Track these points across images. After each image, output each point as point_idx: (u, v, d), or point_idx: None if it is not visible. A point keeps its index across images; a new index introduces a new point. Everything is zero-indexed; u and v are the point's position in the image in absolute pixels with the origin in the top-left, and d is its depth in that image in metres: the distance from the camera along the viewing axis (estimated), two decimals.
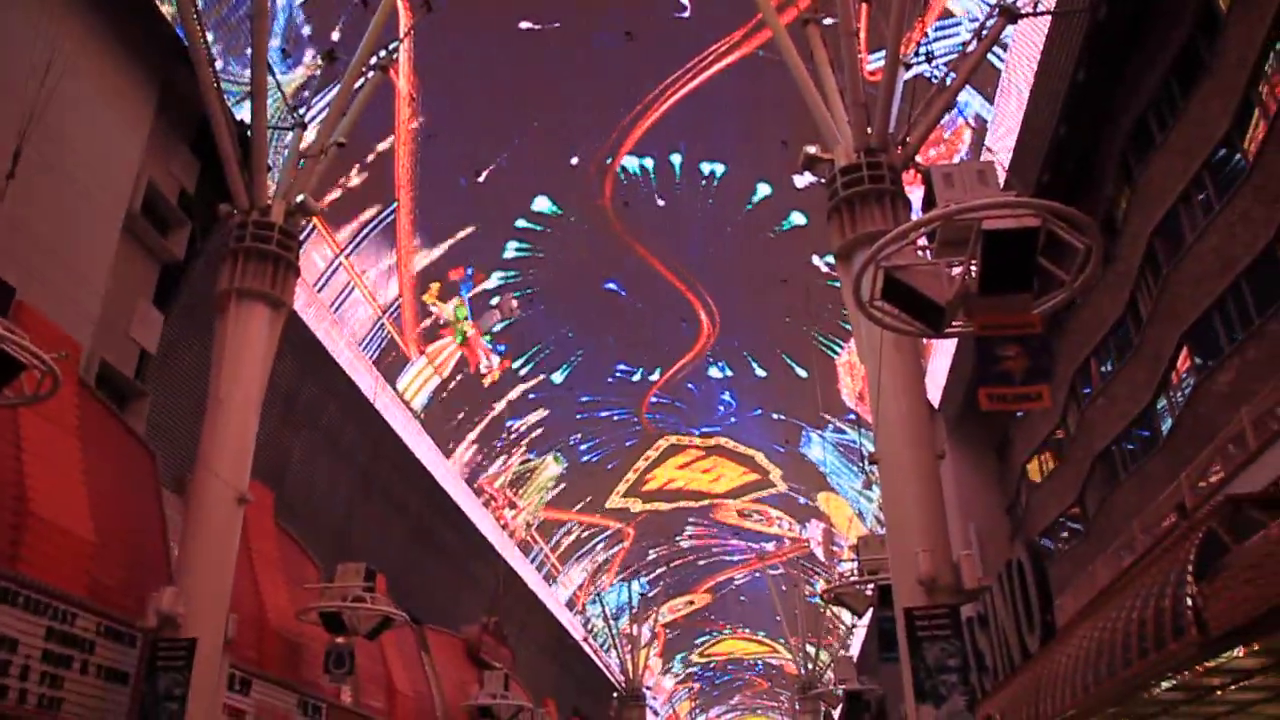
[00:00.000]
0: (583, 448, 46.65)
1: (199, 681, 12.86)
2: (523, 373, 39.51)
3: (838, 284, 24.35)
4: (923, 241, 8.78)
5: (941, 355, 29.22)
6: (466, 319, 35.63)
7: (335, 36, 23.72)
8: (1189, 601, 6.77)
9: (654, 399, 44.86)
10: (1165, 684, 8.01)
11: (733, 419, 47.07)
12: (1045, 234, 8.05)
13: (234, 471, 14.16)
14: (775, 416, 45.24)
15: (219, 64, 17.22)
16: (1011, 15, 14.16)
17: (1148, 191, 19.13)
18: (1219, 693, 8.36)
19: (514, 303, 36.88)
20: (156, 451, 16.53)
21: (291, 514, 24.43)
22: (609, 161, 31.79)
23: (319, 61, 23.74)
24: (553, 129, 30.26)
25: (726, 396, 45.44)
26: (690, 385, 44.13)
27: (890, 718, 38.45)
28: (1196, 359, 17.96)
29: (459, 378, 36.74)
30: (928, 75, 16.43)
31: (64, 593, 12.24)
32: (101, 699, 12.67)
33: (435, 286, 33.71)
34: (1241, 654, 6.81)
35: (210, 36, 15.98)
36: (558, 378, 41.56)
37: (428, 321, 33.96)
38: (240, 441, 14.46)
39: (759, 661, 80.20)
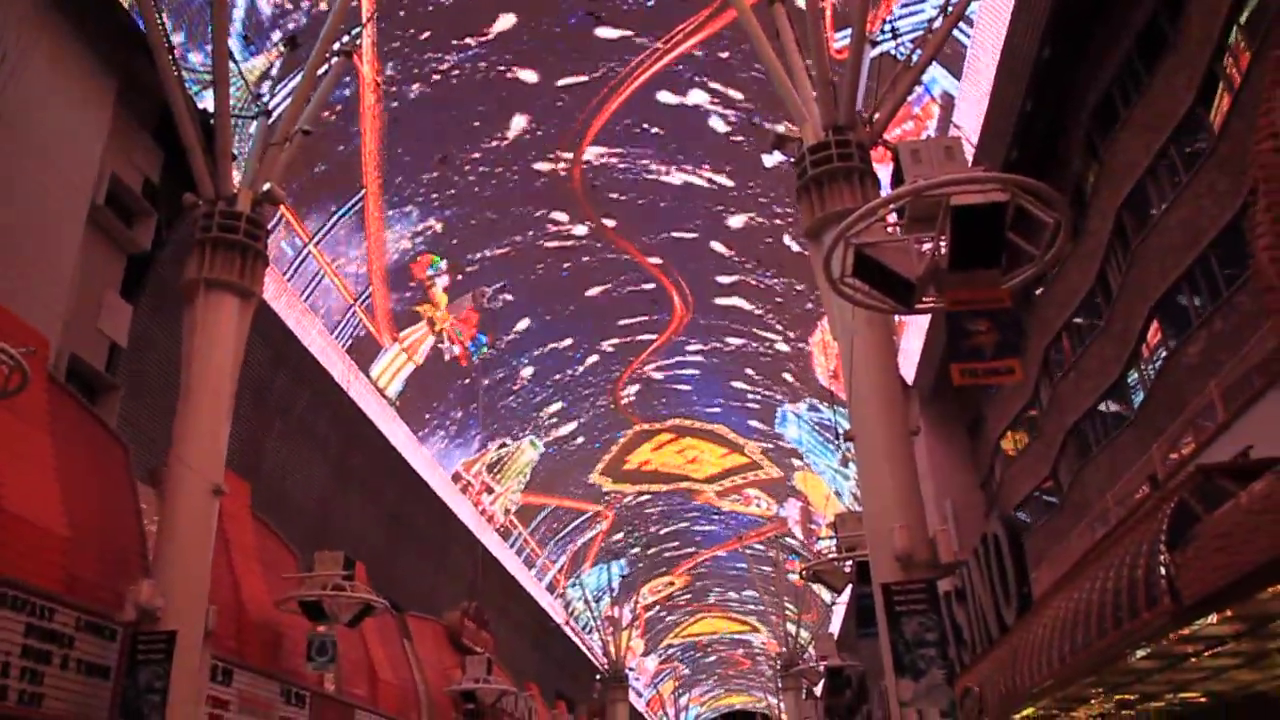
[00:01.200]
0: (560, 432, 46.62)
1: (180, 673, 12.81)
2: (497, 357, 39.39)
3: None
4: (892, 218, 8.81)
5: (915, 332, 29.39)
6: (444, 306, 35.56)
7: (297, 23, 23.44)
8: (1162, 571, 6.86)
9: (628, 381, 44.88)
10: (1140, 652, 8.13)
11: (706, 400, 47.18)
12: (1014, 209, 8.10)
13: (208, 463, 14.07)
14: (750, 396, 45.40)
15: (179, 52, 17.00)
16: None
17: (1115, 166, 19.27)
18: (1193, 660, 8.50)
19: (486, 289, 36.74)
20: (129, 444, 16.37)
21: (268, 504, 24.28)
22: (578, 143, 31.65)
23: (281, 48, 23.46)
24: (520, 110, 30.08)
25: (698, 377, 45.52)
26: (664, 367, 44.17)
27: (870, 693, 38.85)
28: (1166, 332, 18.16)
29: (434, 363, 36.60)
30: (894, 53, 16.43)
31: (41, 588, 12.13)
32: (83, 693, 12.59)
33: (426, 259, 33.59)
34: (1214, 621, 6.92)
35: (169, 24, 15.78)
36: (530, 361, 41.49)
37: (403, 298, 33.77)
38: (213, 432, 14.36)
39: (740, 640, 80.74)
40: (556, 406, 44.86)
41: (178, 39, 20.29)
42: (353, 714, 20.37)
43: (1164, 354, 18.15)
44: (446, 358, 37.30)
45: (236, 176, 15.87)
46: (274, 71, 23.72)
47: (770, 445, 49.71)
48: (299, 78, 17.86)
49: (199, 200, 15.37)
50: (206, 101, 19.06)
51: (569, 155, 31.98)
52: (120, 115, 18.79)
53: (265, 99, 21.36)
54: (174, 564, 13.42)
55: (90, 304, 17.87)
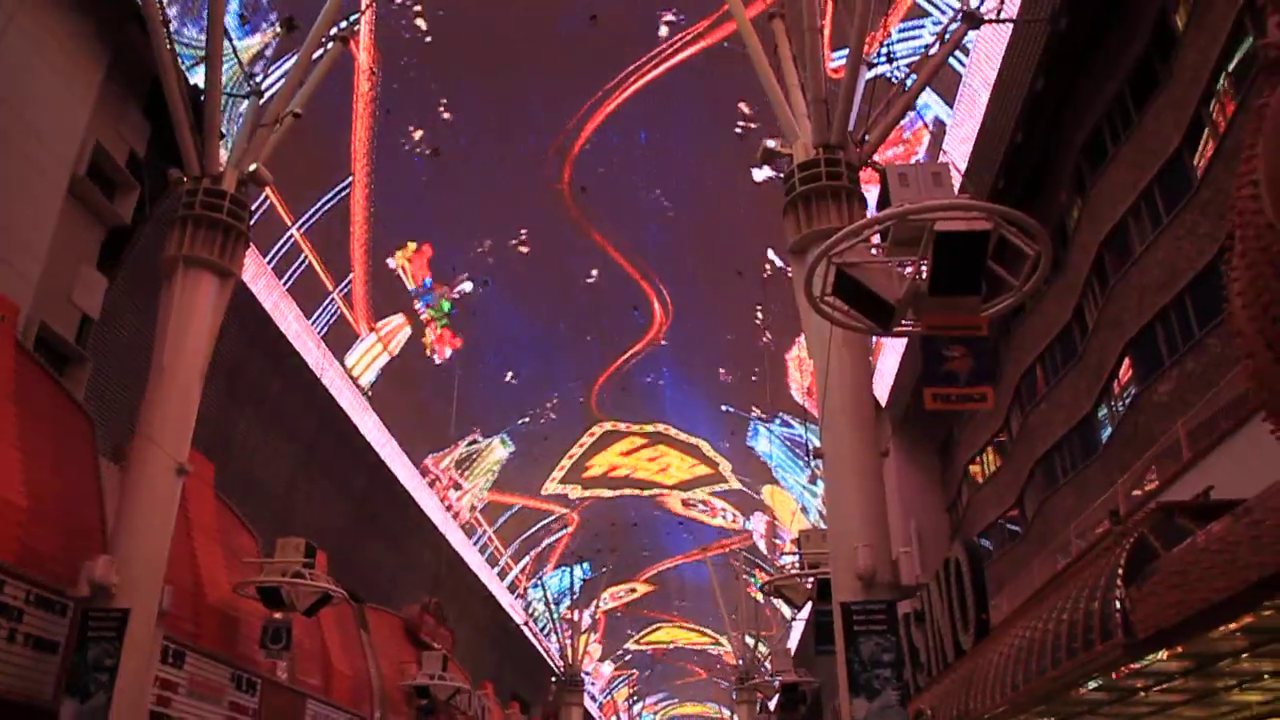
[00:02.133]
0: (530, 431, 46.51)
1: (130, 653, 12.66)
2: (473, 353, 39.28)
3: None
4: (876, 240, 8.86)
5: (890, 354, 29.54)
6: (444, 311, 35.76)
7: (295, 4, 23.32)
8: (1117, 605, 6.93)
9: (603, 385, 44.85)
10: (1092, 684, 8.20)
11: (680, 408, 47.22)
12: (997, 238, 8.17)
13: (174, 441, 13.94)
14: (724, 408, 45.48)
15: (174, 26, 16.84)
16: (974, 21, 14.32)
17: (1099, 202, 19.47)
18: (1142, 694, 8.58)
19: (467, 284, 36.66)
20: (95, 419, 16.20)
21: (232, 487, 24.06)
22: (568, 147, 31.65)
23: (278, 29, 23.34)
24: (512, 110, 30.06)
25: (675, 386, 45.57)
26: (640, 373, 44.18)
27: (824, 710, 38.94)
28: (1138, 369, 18.34)
29: (409, 355, 36.47)
30: (889, 76, 16.54)
31: None
32: (29, 668, 12.42)
33: (410, 248, 33.53)
34: (1165, 657, 6.99)
35: None
36: (506, 358, 41.41)
37: (382, 288, 33.62)
38: (182, 411, 14.23)
39: (698, 651, 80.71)
40: (529, 406, 44.75)
41: (173, 12, 20.13)
42: (304, 703, 20.21)
43: (1134, 391, 18.33)
44: (423, 350, 37.18)
45: (224, 155, 15.76)
46: (269, 52, 23.59)
47: (739, 458, 49.79)
48: (293, 60, 17.78)
49: (184, 176, 15.25)
50: (198, 78, 18.91)
51: (558, 156, 31.96)
52: (109, 86, 18.62)
53: (258, 79, 21.26)
54: (132, 541, 13.26)
55: (65, 274, 17.68)
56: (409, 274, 34.34)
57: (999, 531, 26.36)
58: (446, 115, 29.68)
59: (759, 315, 36.65)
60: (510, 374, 42.18)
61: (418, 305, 35.62)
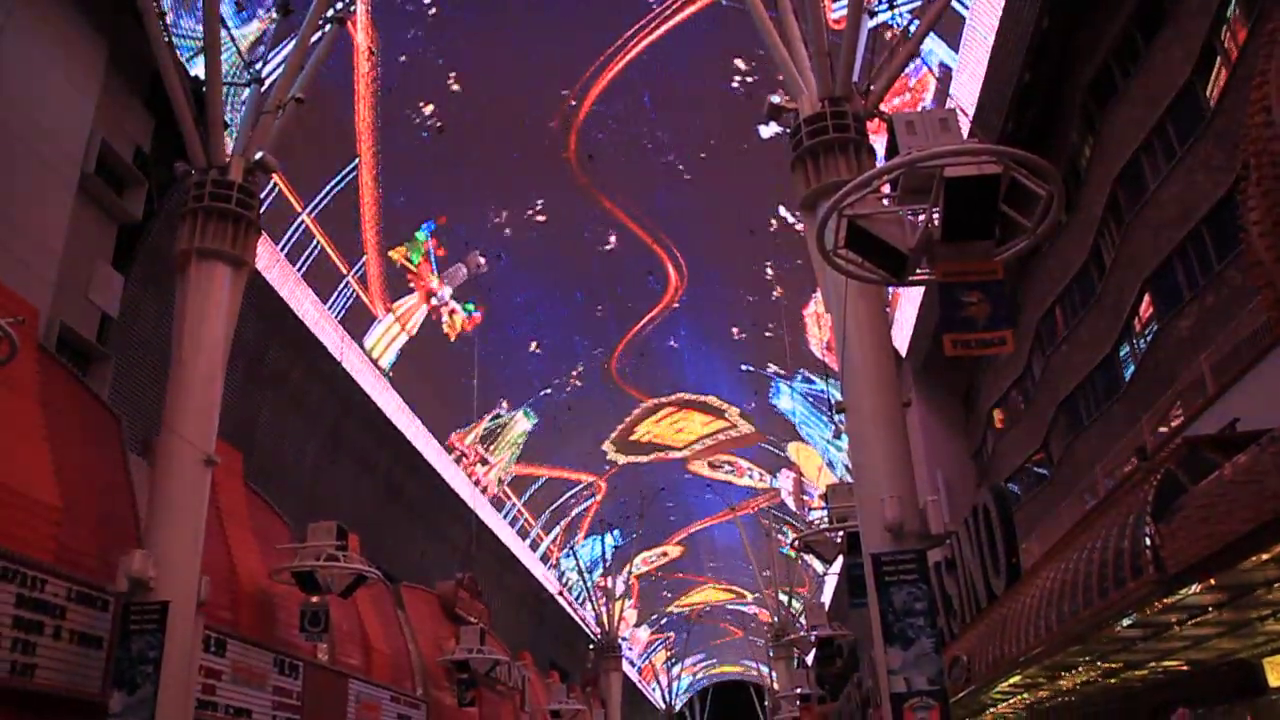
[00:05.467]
0: (554, 403, 46.67)
1: (173, 644, 12.85)
2: (490, 327, 39.36)
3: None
4: (886, 190, 8.79)
5: (908, 304, 29.40)
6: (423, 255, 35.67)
7: None
8: (1147, 541, 6.93)
9: (622, 352, 44.89)
10: (1125, 621, 8.22)
11: (699, 370, 47.23)
12: (1008, 181, 8.09)
13: (200, 433, 14.05)
14: (744, 367, 45.47)
15: (170, 18, 16.82)
16: None
17: (1110, 139, 19.23)
18: (1176, 628, 8.60)
19: (480, 258, 36.67)
20: (121, 415, 16.34)
21: (261, 475, 24.30)
22: (573, 114, 31.48)
23: (274, 14, 23.24)
24: (514, 81, 29.89)
25: (693, 348, 45.55)
26: (658, 338, 44.18)
27: (860, 661, 39.18)
28: (1158, 305, 18.19)
29: (427, 333, 36.60)
30: (892, 23, 16.33)
31: (32, 559, 12.15)
32: (76, 664, 12.65)
33: (420, 243, 33.66)
34: (1198, 590, 6.99)
35: None
36: (524, 331, 41.49)
37: (397, 268, 33.69)
38: (205, 403, 14.32)
39: (733, 611, 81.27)
40: (550, 377, 44.87)
41: (168, 3, 20.08)
42: (346, 683, 20.50)
43: (1155, 328, 18.19)
44: (441, 329, 37.29)
45: (229, 145, 15.75)
46: (267, 38, 23.49)
47: (762, 417, 49.82)
48: (292, 45, 17.71)
49: (190, 169, 15.26)
50: (198, 68, 18.89)
51: (566, 123, 31.80)
52: (110, 82, 18.62)
53: (258, 66, 21.18)
54: (166, 534, 13.42)
55: (81, 274, 17.78)
56: (427, 279, 34.58)
57: (1026, 475, 26.32)
58: (451, 89, 29.54)
59: (768, 271, 36.52)
60: (531, 346, 42.26)
61: (439, 309, 35.92)
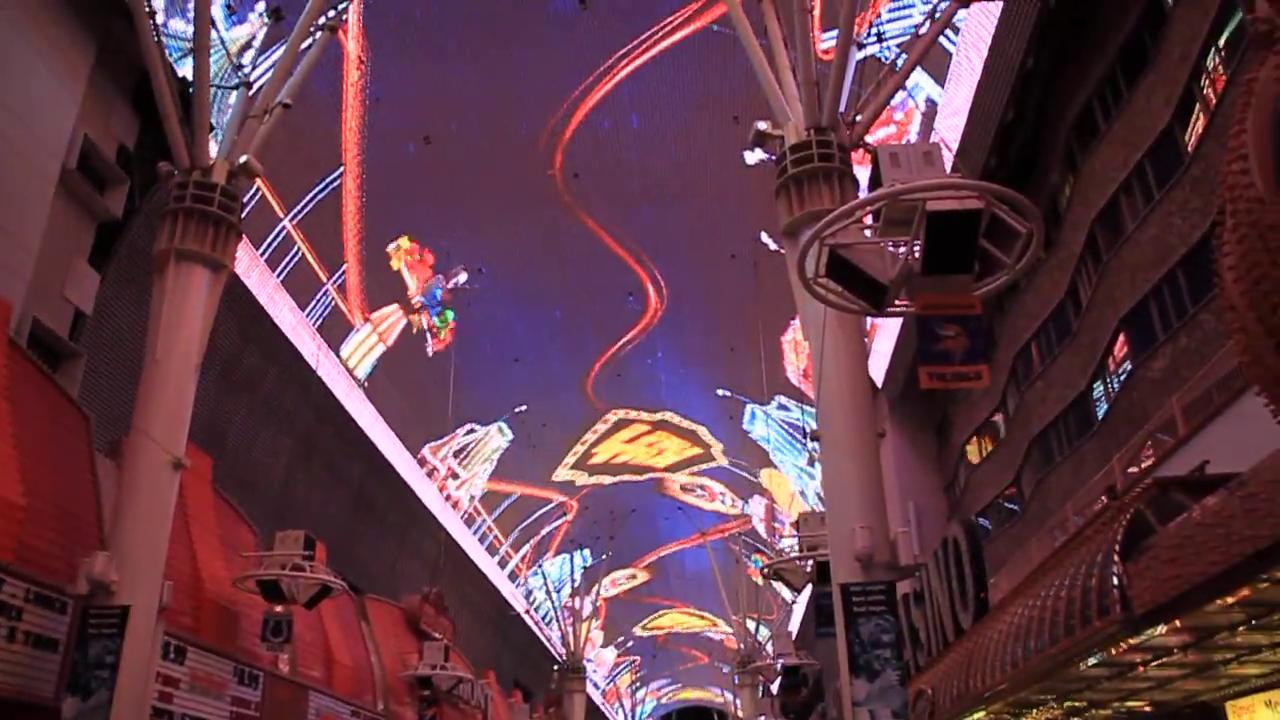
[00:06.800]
0: (528, 420, 46.52)
1: (131, 649, 12.63)
2: (468, 340, 39.26)
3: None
4: (868, 220, 8.84)
5: (886, 335, 29.56)
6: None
7: None
8: (1114, 580, 6.96)
9: (599, 372, 44.85)
10: (1091, 660, 8.24)
11: (677, 393, 47.24)
12: (989, 217, 8.16)
13: (170, 436, 13.88)
14: (720, 392, 45.50)
15: (160, 18, 16.74)
16: (964, 0, 14.25)
17: (1091, 179, 19.47)
18: (1141, 668, 8.62)
19: (462, 274, 36.61)
20: (90, 414, 16.15)
21: (230, 481, 24.06)
22: (559, 132, 31.55)
23: (265, 19, 23.21)
24: (503, 96, 29.95)
25: (670, 370, 45.57)
26: (636, 359, 44.18)
27: (826, 691, 39.11)
28: (1132, 345, 18.38)
29: (405, 345, 36.45)
30: (880, 56, 16.49)
31: None
32: (30, 666, 12.40)
33: (403, 245, 33.56)
34: (1163, 631, 7.02)
35: None
36: (502, 346, 41.40)
37: (376, 277, 33.56)
38: (177, 405, 14.17)
39: (699, 636, 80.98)
40: (526, 393, 44.75)
41: (160, 3, 20.02)
42: (306, 695, 20.24)
43: (1129, 367, 18.36)
44: (417, 340, 37.16)
45: (214, 147, 15.67)
46: (257, 42, 23.46)
47: (735, 442, 49.84)
48: (282, 50, 17.66)
49: (174, 169, 15.16)
50: (186, 69, 18.82)
51: (553, 140, 31.85)
52: (97, 79, 18.52)
53: (246, 70, 21.12)
54: (130, 537, 13.22)
55: (57, 270, 17.61)
56: (416, 282, 34.43)
57: (997, 510, 26.44)
58: (438, 102, 29.56)
59: (748, 297, 36.67)
60: (507, 362, 42.14)
61: (424, 315, 35.77)
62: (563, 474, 52.65)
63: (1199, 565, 5.76)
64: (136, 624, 12.76)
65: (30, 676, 12.38)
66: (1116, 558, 6.96)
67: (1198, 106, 15.88)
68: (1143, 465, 14.94)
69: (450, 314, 37.11)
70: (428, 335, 36.97)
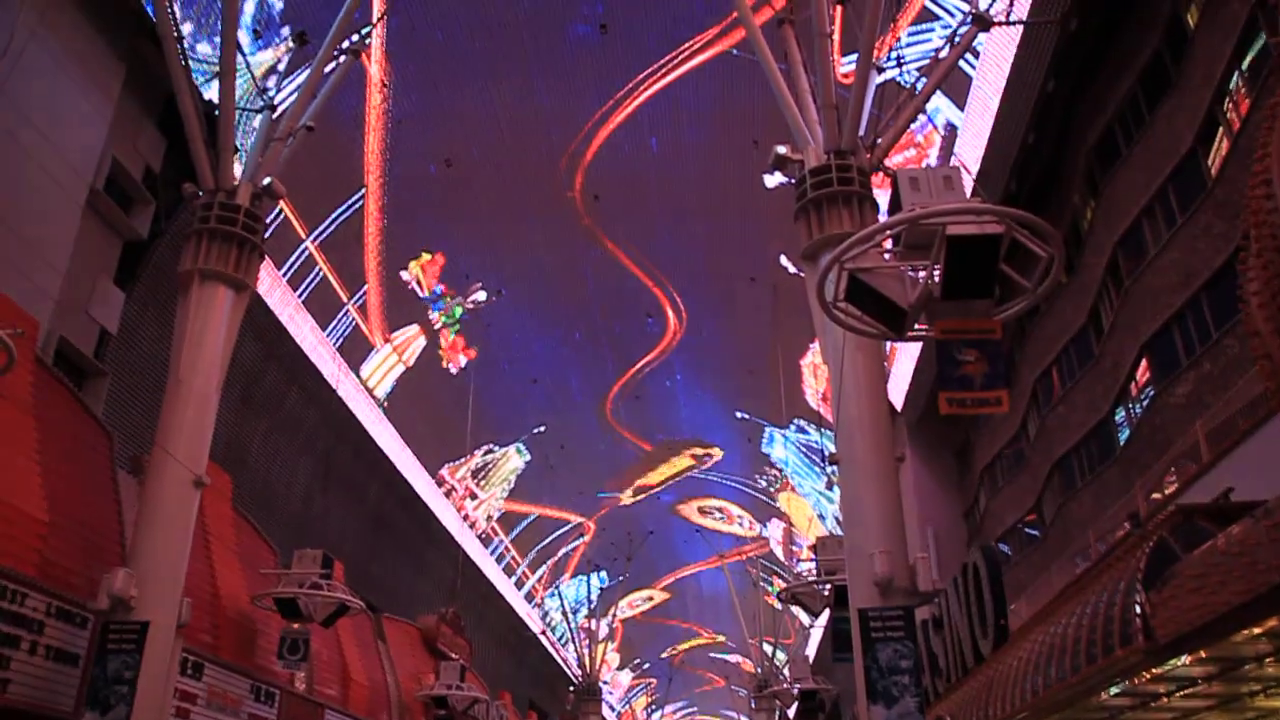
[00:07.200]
0: (546, 441, 46.54)
1: (150, 665, 12.70)
2: (487, 363, 39.36)
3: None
4: (888, 244, 8.84)
5: (905, 359, 29.45)
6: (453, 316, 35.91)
7: (307, 18, 23.47)
8: (1137, 609, 6.88)
9: (618, 394, 44.86)
10: (1113, 690, 8.14)
11: (696, 416, 47.16)
12: (1009, 241, 8.14)
13: (192, 454, 14.00)
14: (739, 414, 45.41)
15: (188, 42, 16.97)
16: (984, 24, 14.28)
17: (1112, 203, 19.39)
18: (1164, 699, 8.51)
19: (481, 293, 36.75)
20: (113, 431, 16.29)
21: (250, 499, 24.18)
22: (580, 155, 31.70)
23: (290, 43, 23.49)
24: (524, 119, 30.15)
25: (689, 393, 45.51)
26: (655, 381, 44.17)
27: (843, 717, 38.76)
28: (1155, 370, 18.24)
29: (424, 365, 36.58)
30: (899, 80, 16.53)
31: (13, 572, 12.03)
32: (50, 680, 12.48)
33: (424, 257, 33.73)
34: (1188, 661, 6.93)
35: (179, 13, 15.76)
36: (521, 368, 41.47)
37: (397, 298, 33.73)
38: (199, 424, 14.29)
39: (715, 659, 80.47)
40: (544, 414, 44.80)
41: (187, 28, 20.31)
42: (322, 714, 20.24)
43: (1152, 393, 18.21)
44: (439, 361, 37.28)
45: (238, 169, 15.86)
46: (281, 66, 23.74)
47: (755, 465, 49.68)
48: (306, 74, 17.88)
49: (199, 190, 15.35)
50: (212, 93, 19.07)
51: (573, 163, 32.02)
52: (125, 101, 18.79)
53: (271, 93, 21.40)
54: (151, 554, 13.32)
55: (83, 289, 17.82)
56: (422, 284, 34.48)
57: (1017, 536, 26.22)
58: (460, 124, 29.77)
59: (767, 320, 36.64)
60: (526, 383, 42.20)
61: (431, 314, 35.74)
62: (577, 494, 52.57)
63: (1224, 595, 5.69)
64: (155, 640, 12.84)
65: (51, 690, 12.45)
66: (1139, 586, 6.88)
67: (1221, 129, 15.81)
68: (1166, 492, 14.79)
69: (458, 310, 36.90)
70: (439, 339, 36.88)
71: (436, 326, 36.36)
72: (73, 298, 17.40)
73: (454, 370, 38.19)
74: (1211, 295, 16.03)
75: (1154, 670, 7.16)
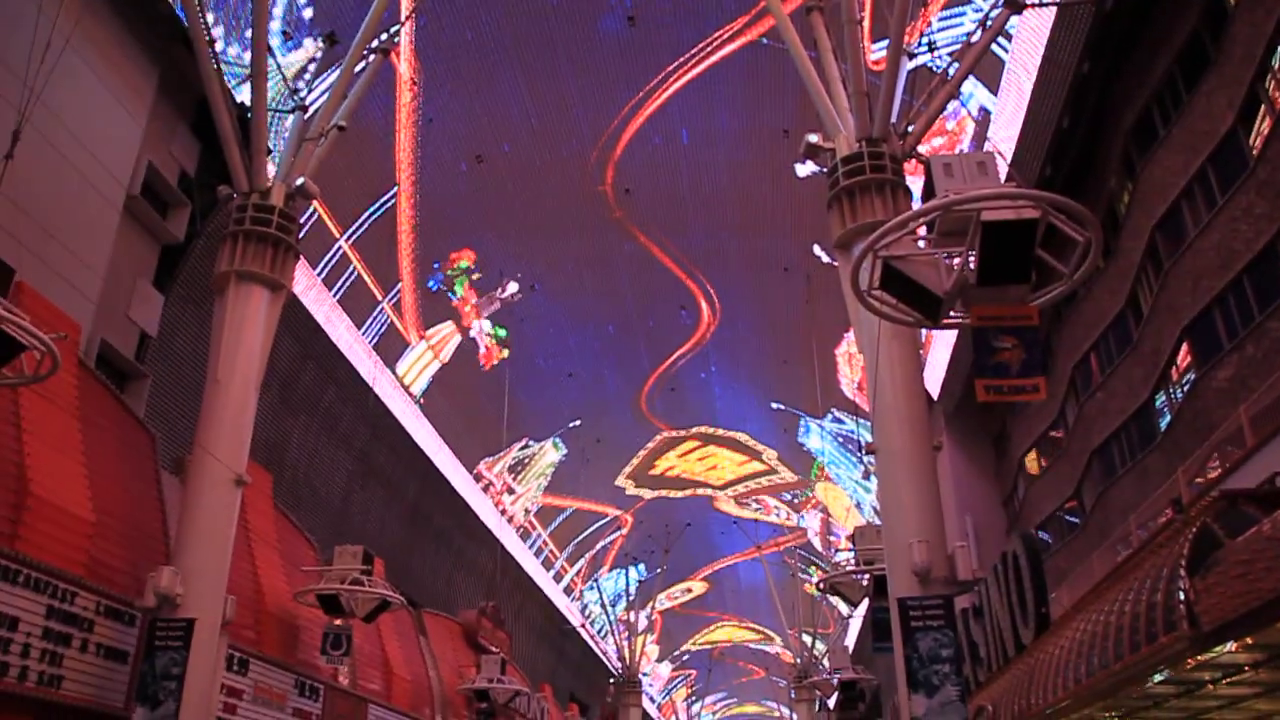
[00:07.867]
0: (582, 435, 46.67)
1: (197, 661, 12.92)
2: (523, 357, 39.51)
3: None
4: (922, 231, 8.77)
5: (941, 346, 29.21)
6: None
7: (336, 19, 23.64)
8: (1181, 596, 6.80)
9: (653, 387, 44.88)
10: (1157, 677, 8.05)
11: (731, 407, 47.09)
12: (1045, 226, 8.05)
13: (232, 453, 14.18)
14: (774, 405, 45.29)
15: (219, 45, 17.15)
16: (1016, 5, 14.10)
17: (1150, 185, 19.09)
18: (1210, 687, 8.41)
19: (514, 287, 36.90)
20: (156, 432, 16.55)
21: (290, 496, 24.47)
22: (610, 148, 31.71)
23: (320, 44, 23.67)
24: (553, 114, 30.19)
25: (724, 384, 45.45)
26: (690, 373, 44.14)
27: (884, 707, 38.62)
28: (1196, 355, 17.96)
29: (460, 362, 36.79)
30: (931, 65, 16.36)
31: (64, 572, 12.29)
32: (101, 677, 12.74)
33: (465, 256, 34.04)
34: (1233, 648, 6.84)
35: (210, 17, 15.93)
36: (556, 362, 41.60)
37: (431, 295, 33.95)
38: (238, 423, 14.47)
39: (755, 650, 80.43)
40: (581, 408, 44.92)
41: (218, 31, 20.53)
42: (366, 708, 20.47)
43: (1193, 377, 17.95)
44: (474, 357, 37.49)
45: (271, 170, 16.01)
46: (312, 67, 23.94)
47: (791, 455, 49.53)
48: (337, 74, 18.01)
49: (233, 192, 15.53)
50: (244, 95, 19.26)
51: (604, 156, 32.04)
52: (159, 106, 19.04)
53: (302, 94, 21.59)
54: (194, 552, 13.53)
55: (123, 292, 18.10)
56: (468, 311, 35.01)
57: (1057, 524, 25.95)
58: (489, 121, 29.88)
59: (801, 309, 36.50)
60: (562, 377, 42.34)
61: (473, 333, 36.21)
62: (616, 487, 52.69)
63: (1270, 580, 5.61)
64: (201, 636, 13.05)
65: (101, 686, 12.71)
66: (1183, 572, 6.80)
67: (1263, 108, 15.51)
68: (1209, 477, 14.59)
69: (502, 330, 37.37)
70: (480, 353, 37.24)
71: (483, 345, 36.77)
72: (112, 301, 17.67)
73: (489, 367, 38.41)
74: (1254, 277, 15.74)
75: (1199, 657, 7.07)
